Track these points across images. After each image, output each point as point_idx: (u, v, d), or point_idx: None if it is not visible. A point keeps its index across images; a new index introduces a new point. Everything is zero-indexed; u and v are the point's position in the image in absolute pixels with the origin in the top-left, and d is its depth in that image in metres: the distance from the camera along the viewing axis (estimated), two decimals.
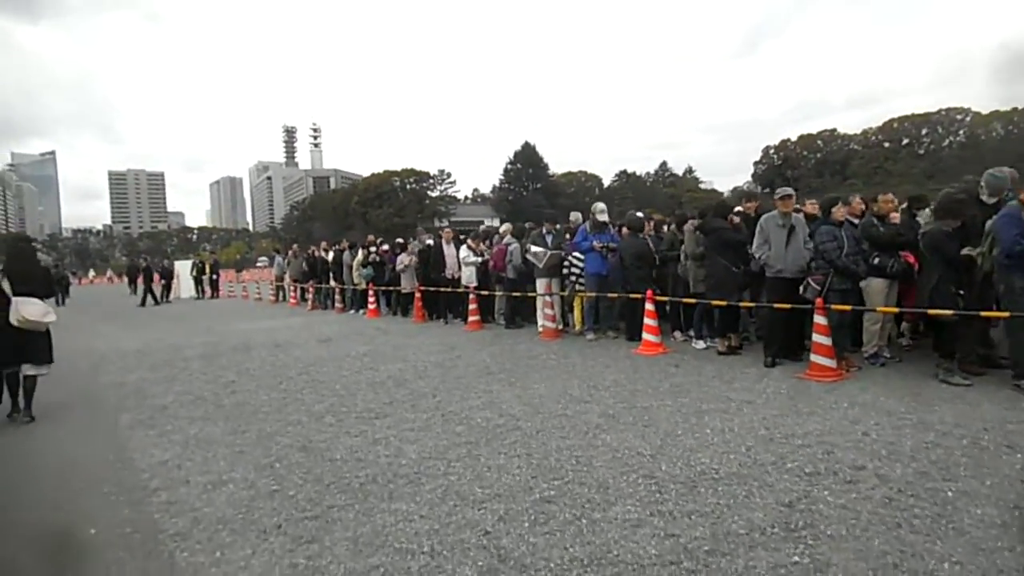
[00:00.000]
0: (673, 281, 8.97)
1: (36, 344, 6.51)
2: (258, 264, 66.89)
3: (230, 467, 4.79)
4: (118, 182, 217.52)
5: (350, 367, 8.49)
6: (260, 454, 5.06)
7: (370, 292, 15.04)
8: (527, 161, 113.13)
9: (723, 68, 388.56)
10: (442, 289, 12.65)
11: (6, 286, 6.32)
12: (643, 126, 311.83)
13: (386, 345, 10.30)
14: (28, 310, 6.27)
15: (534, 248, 10.05)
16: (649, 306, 8.22)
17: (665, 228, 9.77)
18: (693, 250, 8.19)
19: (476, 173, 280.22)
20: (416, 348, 9.81)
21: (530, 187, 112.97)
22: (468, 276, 12.14)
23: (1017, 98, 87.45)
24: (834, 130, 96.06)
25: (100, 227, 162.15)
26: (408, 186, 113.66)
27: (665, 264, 9.15)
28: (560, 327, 10.12)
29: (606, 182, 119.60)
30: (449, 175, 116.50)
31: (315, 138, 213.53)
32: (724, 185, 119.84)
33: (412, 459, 4.70)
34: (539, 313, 10.37)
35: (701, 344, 8.29)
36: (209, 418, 6.25)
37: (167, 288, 25.81)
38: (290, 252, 21.57)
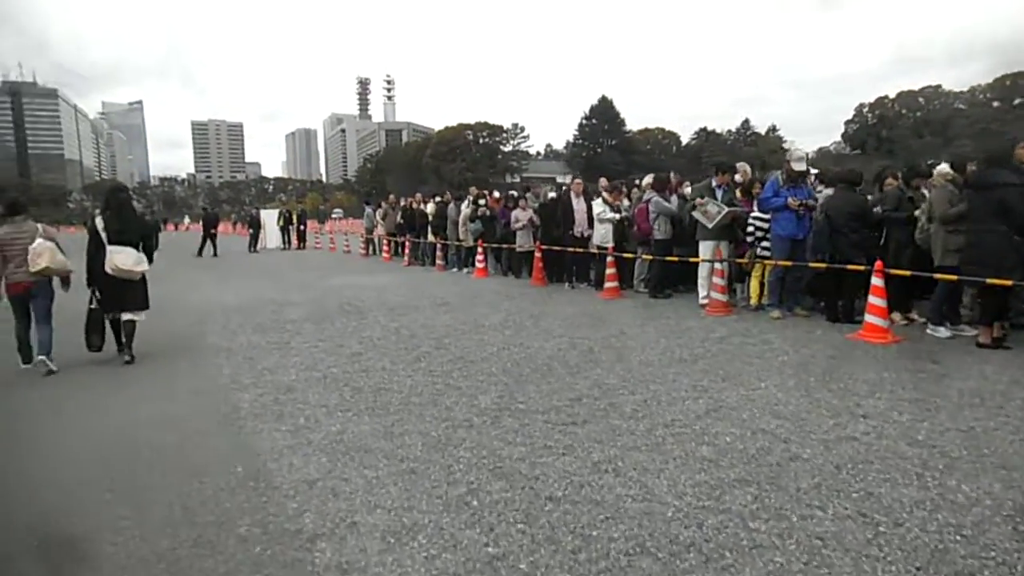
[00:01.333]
0: (896, 249, 7.09)
1: (133, 291, 6.70)
2: (333, 216, 66.68)
3: (406, 498, 3.36)
4: (201, 132, 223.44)
5: (492, 341, 7.03)
6: (441, 476, 3.61)
7: (479, 250, 13.55)
8: (603, 116, 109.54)
9: (810, 18, 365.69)
10: (569, 249, 11.03)
11: (103, 236, 6.46)
12: (723, 81, 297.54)
13: (519, 314, 8.79)
14: (121, 259, 6.40)
15: (709, 205, 8.27)
16: (877, 281, 6.39)
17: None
18: (945, 211, 6.26)
19: (550, 128, 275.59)
20: (557, 319, 8.26)
21: (605, 144, 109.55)
22: (603, 235, 10.47)
23: None
24: (938, 86, 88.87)
25: (184, 175, 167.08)
26: (481, 140, 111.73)
27: (877, 227, 7.29)
28: (728, 301, 8.36)
29: (684, 139, 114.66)
30: (523, 129, 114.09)
31: (389, 90, 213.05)
32: (810, 145, 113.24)
33: (671, 503, 3.14)
34: (701, 283, 8.64)
35: (943, 332, 6.43)
36: (349, 408, 4.88)
37: (255, 238, 25.11)
38: (384, 204, 20.28)
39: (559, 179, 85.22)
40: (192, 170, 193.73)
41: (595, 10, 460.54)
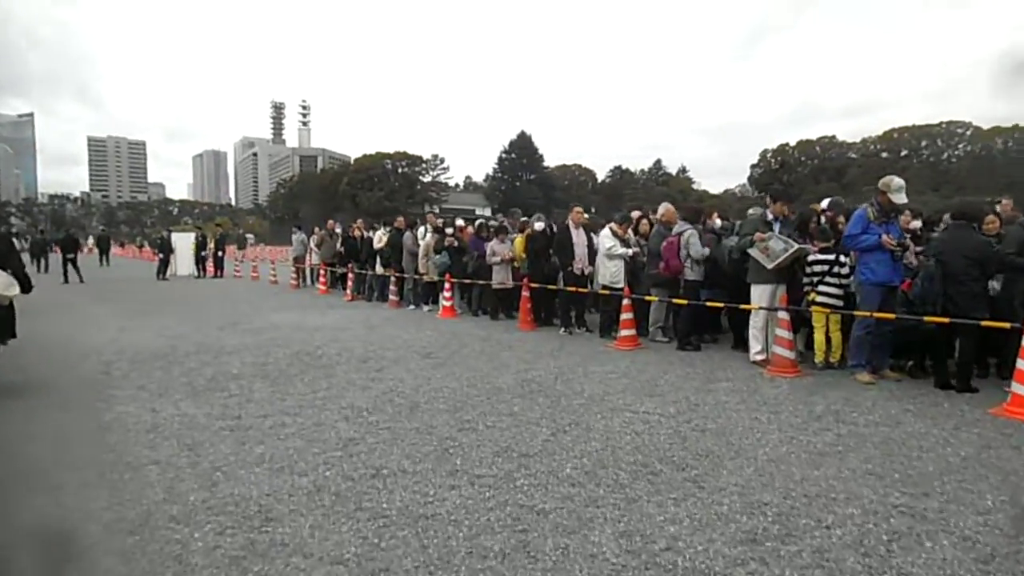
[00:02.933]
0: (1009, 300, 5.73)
1: None
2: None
3: None
4: (98, 148, 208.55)
5: (530, 418, 5.12)
6: None
7: (446, 285, 11.56)
8: (522, 151, 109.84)
9: (718, 71, 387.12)
10: (568, 288, 9.26)
11: None
12: (638, 124, 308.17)
13: (534, 371, 6.91)
14: None
15: (772, 242, 6.71)
16: None
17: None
18: None
19: (469, 161, 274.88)
20: (590, 382, 6.44)
21: (524, 177, 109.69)
22: (613, 273, 8.77)
23: (1017, 115, 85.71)
24: (833, 137, 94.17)
25: (78, 194, 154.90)
26: (400, 169, 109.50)
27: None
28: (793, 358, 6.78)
29: (600, 176, 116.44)
30: (442, 160, 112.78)
31: (304, 115, 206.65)
32: (716, 187, 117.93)
33: None
34: (755, 335, 7.05)
35: None
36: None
37: (164, 264, 21.99)
38: (319, 230, 17.90)
39: (478, 211, 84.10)
40: (87, 188, 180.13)
41: (516, 46, 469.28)
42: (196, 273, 23.14)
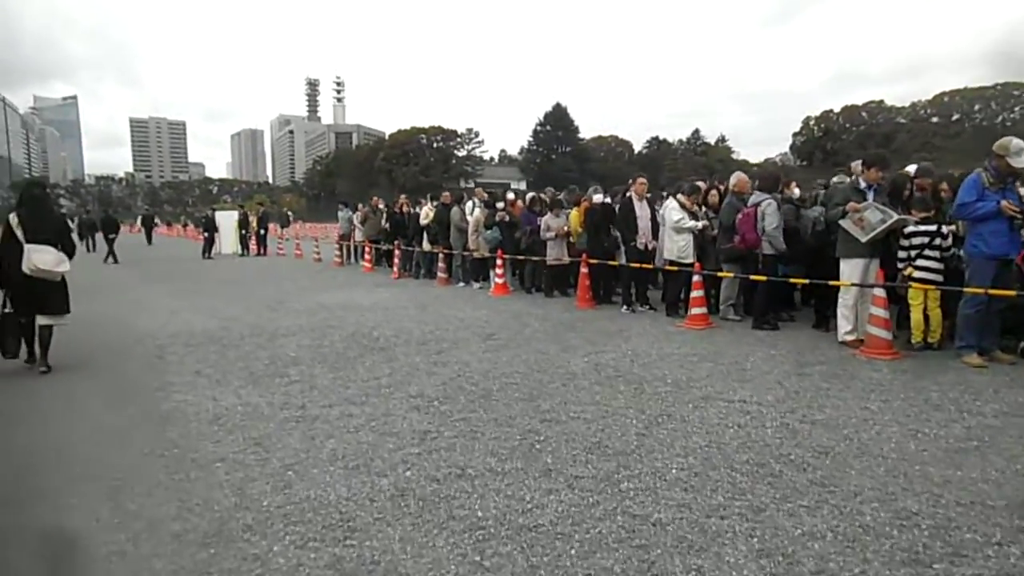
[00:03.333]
0: None
1: (51, 294, 6.16)
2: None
3: None
4: (140, 129, 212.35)
5: (619, 409, 4.69)
6: None
7: (498, 262, 11.14)
8: (557, 123, 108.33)
9: (756, 34, 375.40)
10: (632, 264, 8.76)
11: (19, 234, 5.96)
12: (674, 93, 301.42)
13: (606, 354, 6.47)
14: (40, 258, 5.92)
15: (869, 212, 6.11)
16: None
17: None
18: None
19: (504, 134, 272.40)
20: (672, 365, 5.99)
21: (559, 150, 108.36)
22: (682, 248, 8.25)
23: None
24: (881, 102, 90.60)
25: (122, 174, 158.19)
26: (435, 144, 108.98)
27: None
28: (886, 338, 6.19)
29: (636, 148, 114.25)
30: (477, 134, 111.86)
31: (338, 92, 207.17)
32: (756, 156, 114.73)
33: None
34: (844, 313, 6.48)
35: None
36: None
37: (209, 242, 22.02)
38: (364, 206, 17.61)
39: (514, 185, 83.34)
40: (131, 169, 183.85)
41: (550, 17, 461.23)
42: (240, 251, 23.16)
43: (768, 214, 7.35)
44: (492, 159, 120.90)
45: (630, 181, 9.13)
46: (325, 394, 5.24)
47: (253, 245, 23.31)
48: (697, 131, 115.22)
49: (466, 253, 12.25)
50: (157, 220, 65.70)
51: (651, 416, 4.48)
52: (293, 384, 5.57)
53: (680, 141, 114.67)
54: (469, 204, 13.10)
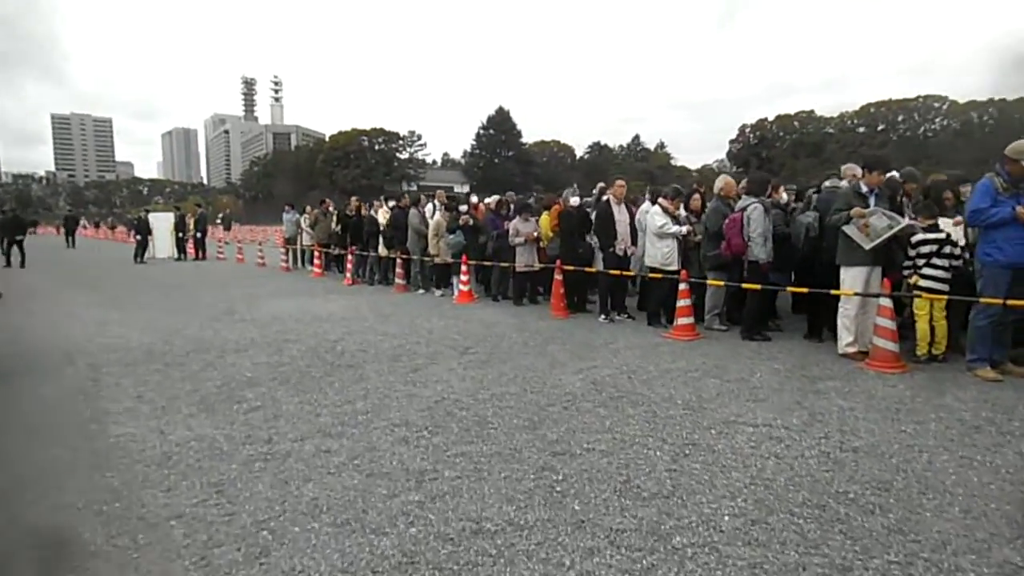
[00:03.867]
0: None
1: None
2: (217, 222, 60.18)
3: None
4: (62, 126, 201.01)
5: (630, 435, 4.17)
6: None
7: (463, 268, 10.51)
8: (500, 127, 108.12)
9: (694, 44, 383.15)
10: (612, 272, 8.29)
11: None
12: (614, 99, 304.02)
13: (600, 368, 5.96)
14: None
15: (874, 218, 5.79)
16: None
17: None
18: None
19: (446, 137, 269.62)
20: (675, 383, 5.52)
21: (502, 154, 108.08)
22: (665, 254, 7.80)
23: (986, 89, 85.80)
24: (811, 111, 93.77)
25: (43, 173, 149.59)
26: (377, 146, 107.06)
27: None
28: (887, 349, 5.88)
29: (579, 153, 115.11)
30: (419, 137, 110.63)
31: (276, 92, 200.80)
32: (694, 162, 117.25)
33: None
34: (845, 324, 6.15)
35: None
36: None
37: (142, 246, 20.55)
38: (313, 208, 16.66)
39: (456, 188, 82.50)
40: (52, 167, 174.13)
41: (492, 20, 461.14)
42: (176, 255, 21.76)
43: (753, 219, 6.99)
44: (435, 162, 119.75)
45: (600, 184, 8.68)
46: (293, 423, 4.52)
47: (191, 249, 21.91)
48: (637, 137, 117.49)
49: (426, 258, 11.56)
50: (85, 222, 62.34)
51: (675, 446, 3.97)
52: (254, 411, 4.83)
53: (621, 147, 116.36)
54: (429, 207, 12.44)
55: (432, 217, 11.74)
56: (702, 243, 7.76)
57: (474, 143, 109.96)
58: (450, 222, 10.88)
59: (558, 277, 8.92)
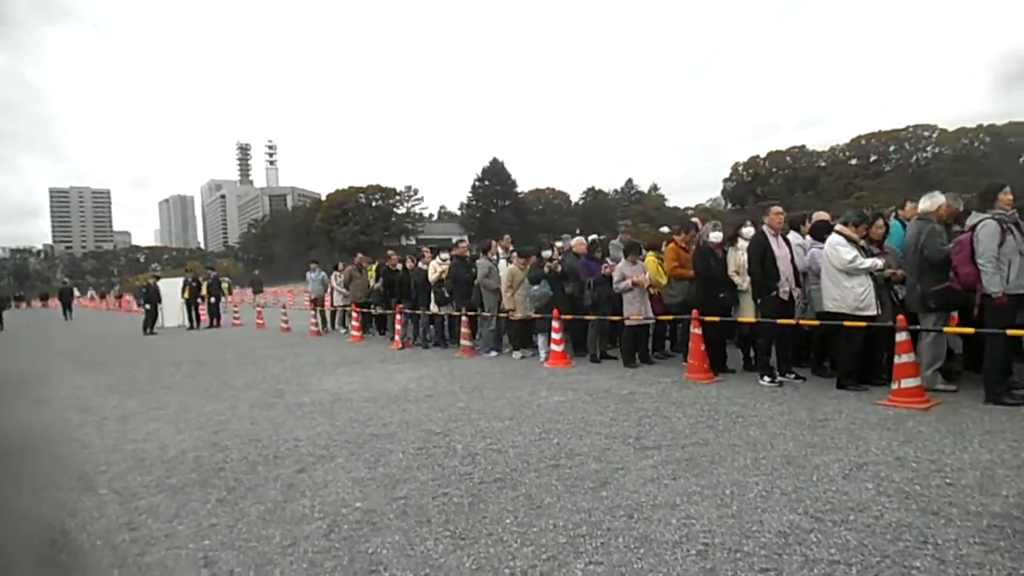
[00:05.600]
0: None
1: None
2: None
3: None
4: (60, 200, 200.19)
5: None
6: None
7: (555, 324, 8.63)
8: (495, 177, 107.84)
9: (678, 89, 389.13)
10: (778, 321, 6.43)
11: None
12: (607, 144, 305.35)
13: (909, 477, 4.04)
14: None
15: None
16: None
17: None
18: None
19: (442, 190, 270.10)
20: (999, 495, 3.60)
21: (498, 204, 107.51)
22: (859, 295, 5.95)
23: (967, 117, 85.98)
24: (803, 146, 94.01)
25: (40, 247, 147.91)
26: (373, 203, 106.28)
27: None
28: None
29: (574, 199, 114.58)
30: (416, 191, 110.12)
31: (270, 155, 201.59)
32: (685, 202, 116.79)
33: None
34: None
35: None
36: None
37: (152, 316, 18.61)
38: (345, 266, 14.83)
39: (455, 239, 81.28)
40: (50, 240, 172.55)
41: (482, 73, 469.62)
42: (188, 324, 19.79)
43: (983, 239, 5.22)
44: (432, 215, 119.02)
45: (761, 214, 6.86)
46: None
47: (203, 315, 19.97)
48: (631, 180, 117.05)
49: (502, 315, 9.69)
50: (82, 292, 60.31)
51: None
52: None
53: (615, 191, 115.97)
54: (488, 258, 10.65)
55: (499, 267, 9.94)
56: (906, 278, 5.94)
57: (470, 195, 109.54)
58: (531, 271, 9.05)
59: (696, 331, 7.03)
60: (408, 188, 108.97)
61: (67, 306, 31.95)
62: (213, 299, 19.88)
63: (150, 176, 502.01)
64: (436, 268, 11.20)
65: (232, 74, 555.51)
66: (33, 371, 11.71)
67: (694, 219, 9.26)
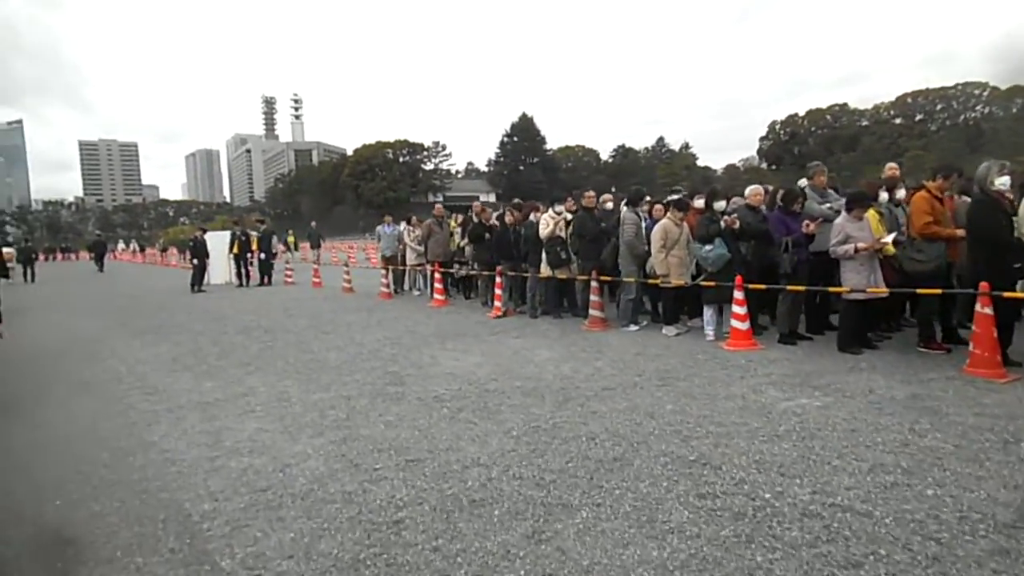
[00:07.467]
0: None
1: None
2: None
3: None
4: (90, 152, 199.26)
5: None
6: None
7: (737, 295, 6.67)
8: (524, 134, 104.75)
9: (711, 45, 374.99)
10: None
11: None
12: (638, 100, 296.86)
13: None
14: None
15: None
16: None
17: None
18: None
19: (470, 147, 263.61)
20: None
21: (527, 161, 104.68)
22: None
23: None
24: (844, 105, 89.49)
25: (72, 199, 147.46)
26: (401, 158, 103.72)
27: None
28: None
29: (603, 156, 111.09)
30: (444, 147, 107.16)
31: (296, 110, 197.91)
32: (717, 162, 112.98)
33: None
34: None
35: None
36: None
37: (201, 271, 16.91)
38: (427, 218, 12.90)
39: (482, 197, 78.92)
40: (81, 193, 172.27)
41: (512, 27, 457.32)
42: (237, 281, 18.10)
43: None
44: (459, 172, 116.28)
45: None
46: None
47: (250, 271, 18.25)
48: (662, 138, 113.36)
49: (653, 282, 7.75)
50: (115, 244, 58.98)
51: None
52: None
53: (646, 149, 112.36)
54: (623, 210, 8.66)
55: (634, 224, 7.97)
56: None
57: (498, 151, 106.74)
58: (700, 227, 7.06)
59: (985, 310, 5.03)
60: (436, 144, 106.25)
61: (100, 258, 30.66)
62: (263, 255, 18.10)
63: (177, 130, 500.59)
64: (548, 222, 9.24)
65: (256, 26, 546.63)
66: (76, 337, 10.03)
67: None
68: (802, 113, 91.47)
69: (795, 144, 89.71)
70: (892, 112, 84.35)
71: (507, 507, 3.26)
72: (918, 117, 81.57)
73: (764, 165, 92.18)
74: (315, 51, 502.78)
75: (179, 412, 5.40)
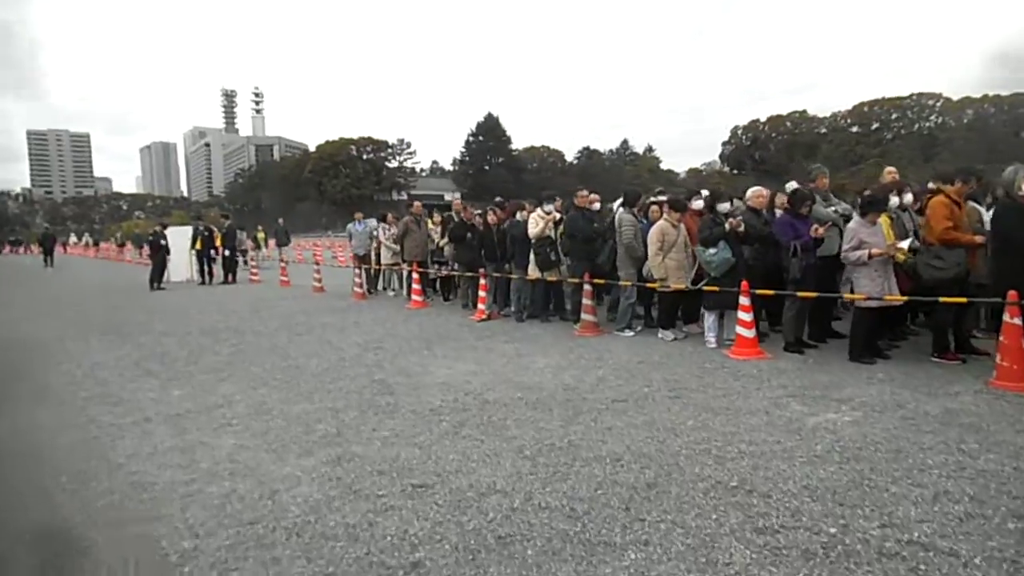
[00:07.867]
0: None
1: None
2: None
3: None
4: (39, 142, 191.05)
5: None
6: None
7: (743, 302, 6.36)
8: (489, 134, 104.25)
9: (673, 53, 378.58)
10: None
11: None
12: (601, 104, 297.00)
13: None
14: None
15: None
16: None
17: None
18: None
19: (434, 145, 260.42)
20: None
21: (492, 161, 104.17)
22: None
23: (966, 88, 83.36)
24: (804, 111, 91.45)
25: (19, 190, 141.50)
26: (365, 156, 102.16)
27: None
28: None
29: (568, 158, 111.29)
30: (408, 145, 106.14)
31: (257, 103, 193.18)
32: (679, 165, 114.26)
33: None
34: None
35: None
36: None
37: (160, 267, 16.03)
38: (397, 217, 12.37)
39: (447, 196, 78.05)
40: (29, 184, 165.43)
41: (478, 26, 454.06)
42: (199, 278, 17.24)
43: None
44: (423, 171, 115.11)
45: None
46: None
47: (213, 269, 17.42)
48: (626, 141, 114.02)
49: (652, 285, 7.42)
50: (82, 237, 56.00)
51: None
52: None
53: (610, 151, 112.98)
54: (618, 211, 8.33)
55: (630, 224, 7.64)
56: None
57: (463, 150, 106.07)
58: (703, 230, 6.75)
59: (1016, 321, 4.81)
60: (400, 141, 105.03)
61: (48, 252, 29.22)
62: (228, 251, 17.28)
63: (132, 122, 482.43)
64: (537, 222, 8.84)
65: (217, 17, 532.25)
66: (28, 339, 9.25)
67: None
68: (763, 119, 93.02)
69: (756, 149, 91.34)
70: (849, 120, 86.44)
71: (540, 545, 2.84)
72: (874, 126, 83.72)
73: (727, 169, 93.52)
74: (277, 44, 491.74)
75: (146, 426, 4.84)
